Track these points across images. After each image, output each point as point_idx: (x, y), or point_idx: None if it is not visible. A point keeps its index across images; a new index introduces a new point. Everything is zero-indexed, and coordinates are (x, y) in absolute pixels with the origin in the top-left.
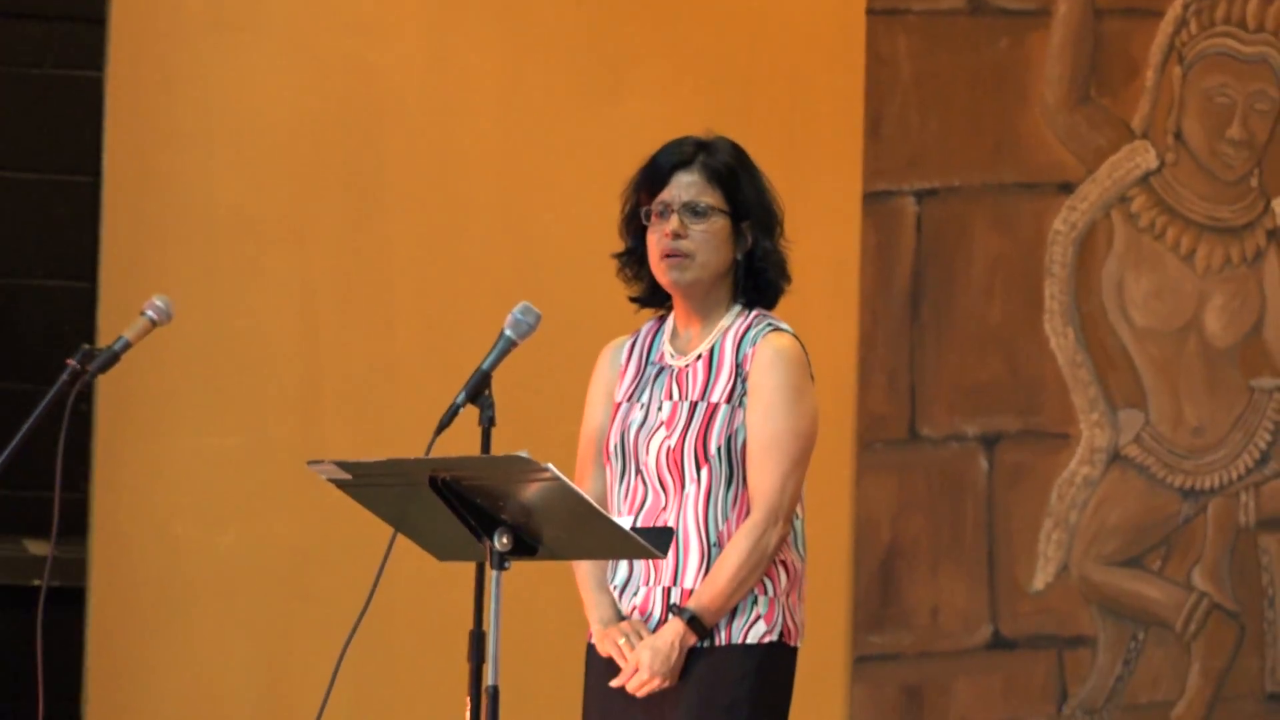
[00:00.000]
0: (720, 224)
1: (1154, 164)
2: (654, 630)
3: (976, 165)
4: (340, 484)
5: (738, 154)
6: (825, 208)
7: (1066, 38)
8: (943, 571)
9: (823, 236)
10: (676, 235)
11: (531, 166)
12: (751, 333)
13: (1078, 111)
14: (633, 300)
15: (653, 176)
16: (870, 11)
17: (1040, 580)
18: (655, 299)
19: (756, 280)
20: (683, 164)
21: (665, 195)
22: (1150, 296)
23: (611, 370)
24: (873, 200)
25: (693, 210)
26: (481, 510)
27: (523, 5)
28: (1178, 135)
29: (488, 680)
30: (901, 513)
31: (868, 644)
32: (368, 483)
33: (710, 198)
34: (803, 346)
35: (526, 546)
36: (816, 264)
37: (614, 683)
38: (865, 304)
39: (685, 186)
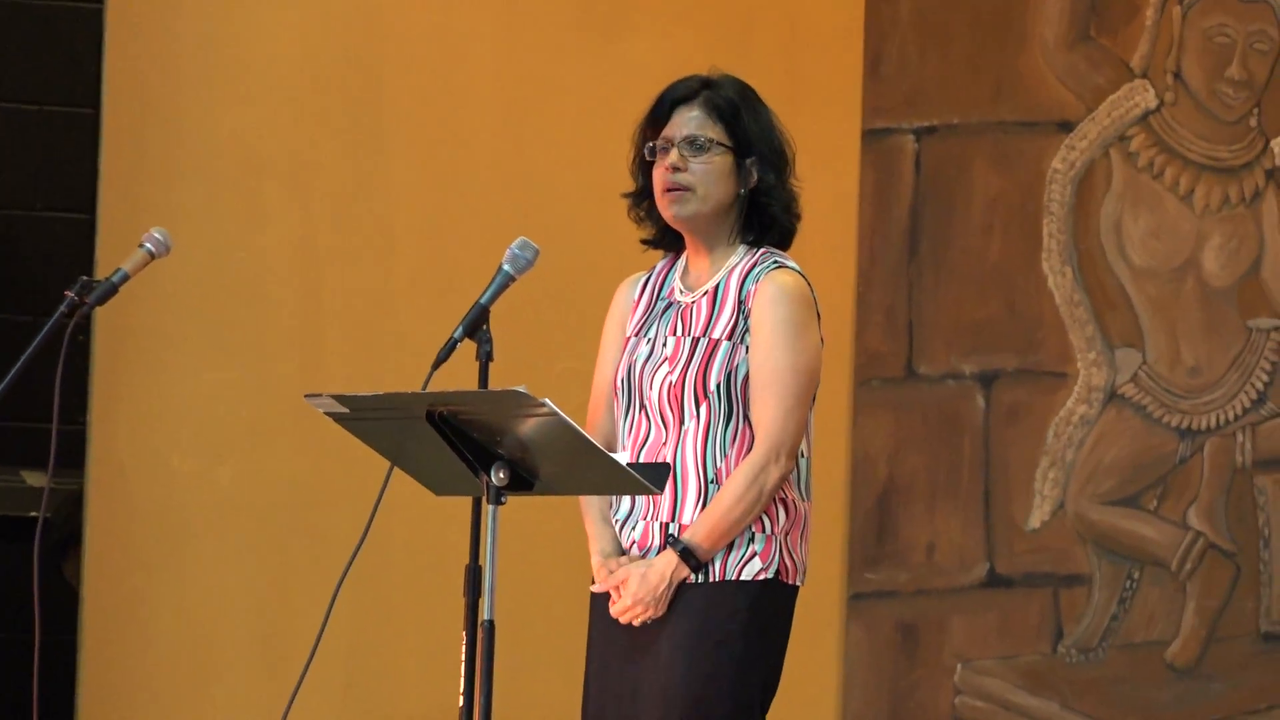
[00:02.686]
0: (721, 158)
1: (1153, 103)
2: None
3: (976, 103)
4: (338, 418)
5: (743, 90)
6: (824, 146)
7: None
8: (939, 509)
9: (821, 174)
10: (676, 169)
11: (531, 104)
12: (756, 270)
13: (1077, 50)
14: (644, 242)
15: (657, 114)
16: None
17: (1036, 519)
18: (665, 240)
19: (761, 217)
20: (685, 99)
21: (668, 131)
22: (1148, 236)
23: (625, 305)
24: (872, 138)
25: (693, 144)
26: (478, 445)
27: None
28: (1177, 75)
29: (484, 615)
30: (898, 450)
31: (864, 581)
32: (365, 417)
33: (711, 132)
34: (809, 284)
35: (523, 481)
36: (815, 202)
37: (613, 611)
38: (863, 242)
39: (686, 121)
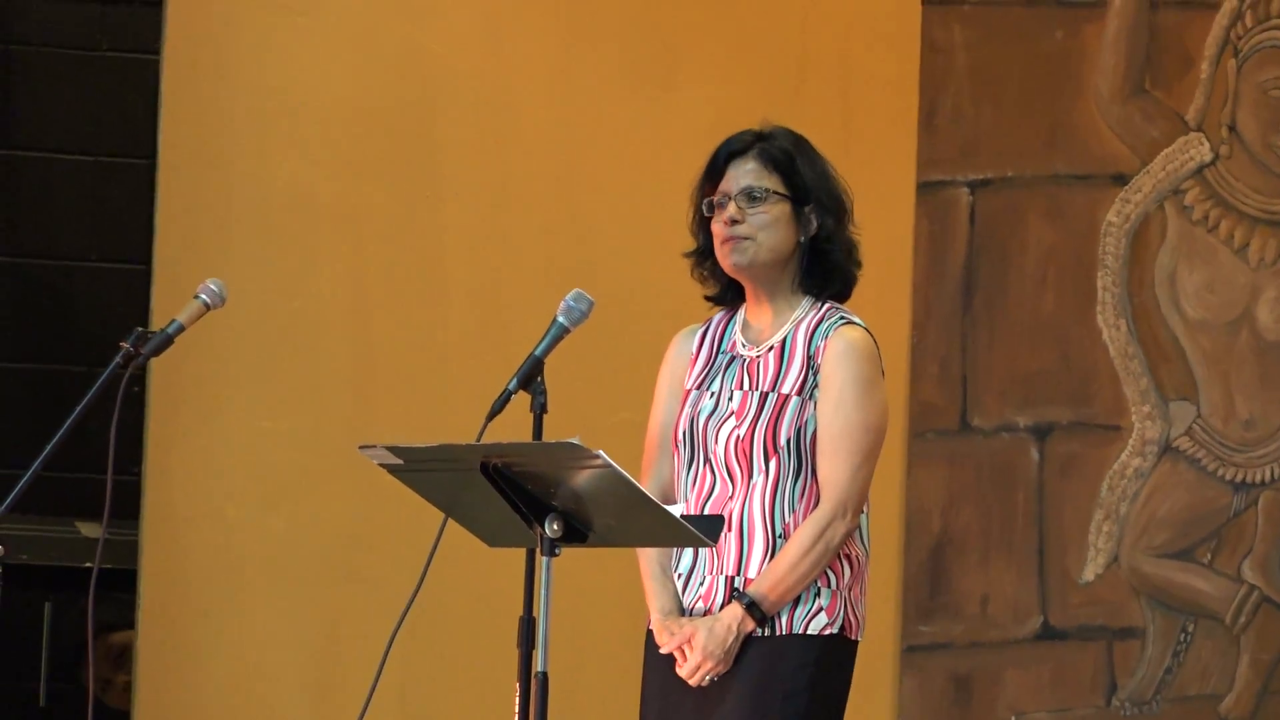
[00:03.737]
0: (780, 208)
1: (1208, 157)
2: None
3: (1030, 156)
4: (392, 469)
5: (796, 140)
6: (878, 197)
7: (1121, 29)
8: (993, 562)
9: (876, 226)
10: (734, 221)
11: (584, 152)
12: (824, 325)
13: (1132, 103)
14: (708, 299)
15: (712, 170)
16: (926, 1)
17: (1090, 571)
18: (728, 296)
19: (823, 265)
20: (739, 153)
21: (724, 185)
22: (1203, 289)
23: (682, 358)
24: (926, 190)
25: (749, 195)
26: (532, 496)
27: None
28: (1232, 128)
29: (537, 667)
30: (952, 503)
31: (917, 634)
32: (419, 468)
33: (767, 182)
34: (874, 340)
35: (577, 533)
36: (869, 253)
37: (682, 672)
38: (918, 294)
39: (743, 174)
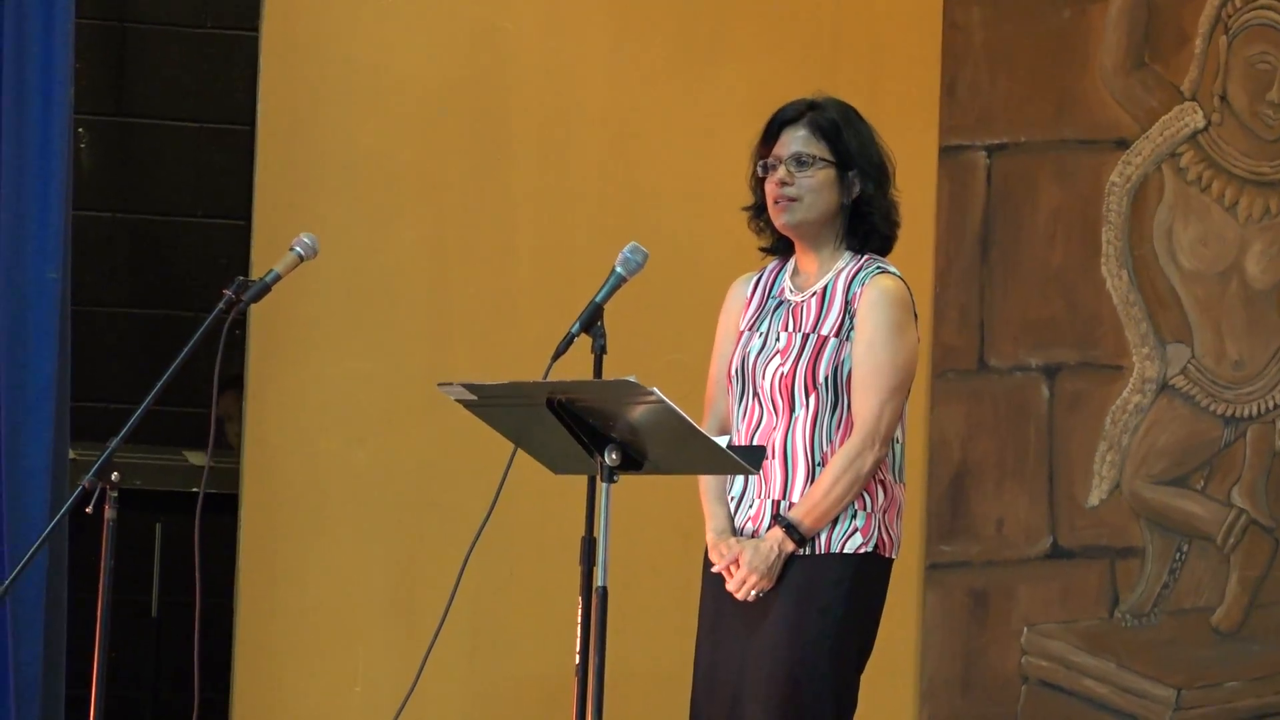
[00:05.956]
0: (825, 172)
1: (1201, 123)
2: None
3: (1041, 123)
4: (467, 404)
5: (844, 111)
6: (905, 161)
7: (1123, 8)
8: (1007, 488)
9: (903, 186)
10: (784, 183)
11: (639, 120)
12: (862, 274)
13: (1133, 76)
14: (762, 250)
15: (767, 135)
16: None
17: (1095, 497)
18: (780, 247)
19: (863, 225)
20: (791, 121)
21: (777, 150)
22: (1196, 243)
23: (738, 302)
24: (948, 154)
25: (798, 160)
26: (593, 429)
27: None
28: (1223, 98)
29: (598, 582)
30: (971, 436)
31: (939, 553)
32: (491, 403)
33: (815, 149)
34: (908, 288)
35: (633, 462)
36: None
37: (730, 587)
38: (940, 247)
39: (793, 140)
